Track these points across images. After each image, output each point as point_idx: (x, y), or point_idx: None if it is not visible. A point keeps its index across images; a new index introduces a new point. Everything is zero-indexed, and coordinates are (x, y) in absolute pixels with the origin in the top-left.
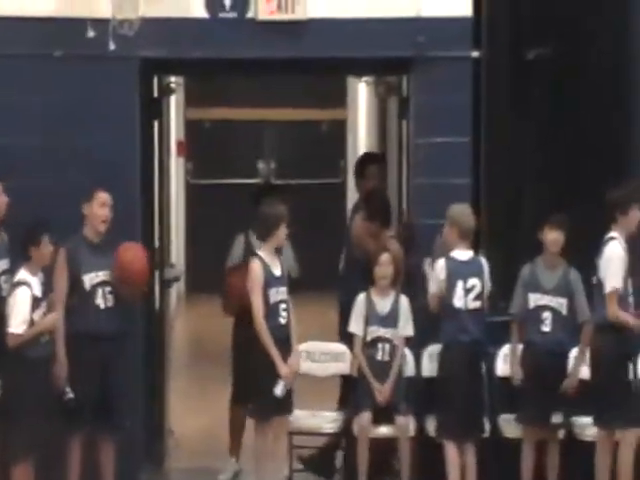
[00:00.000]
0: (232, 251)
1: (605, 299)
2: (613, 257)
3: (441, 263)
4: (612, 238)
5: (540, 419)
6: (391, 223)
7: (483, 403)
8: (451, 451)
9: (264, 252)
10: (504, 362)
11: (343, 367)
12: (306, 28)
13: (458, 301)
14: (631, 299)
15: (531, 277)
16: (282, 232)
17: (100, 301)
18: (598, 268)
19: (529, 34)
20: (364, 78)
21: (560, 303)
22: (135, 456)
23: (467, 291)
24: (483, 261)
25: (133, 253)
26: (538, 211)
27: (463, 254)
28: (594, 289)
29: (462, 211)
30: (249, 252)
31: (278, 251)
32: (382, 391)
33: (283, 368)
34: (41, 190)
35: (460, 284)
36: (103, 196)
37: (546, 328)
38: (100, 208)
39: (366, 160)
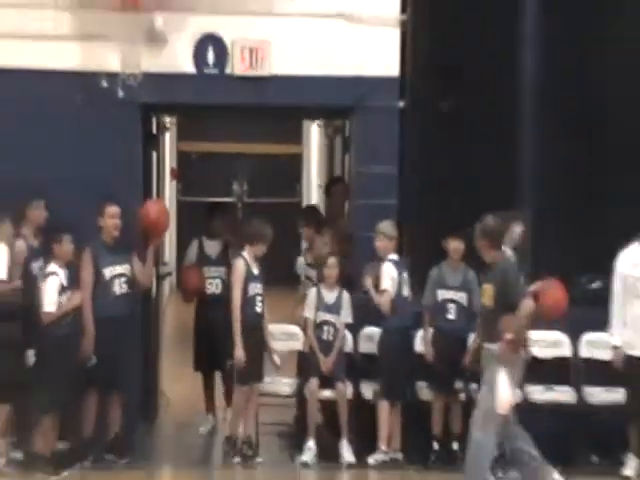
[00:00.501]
0: (187, 254)
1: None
2: None
3: (389, 265)
4: None
5: (446, 386)
6: (324, 230)
7: (409, 374)
8: (384, 410)
9: (247, 254)
10: (420, 342)
11: (297, 344)
12: (271, 82)
13: (405, 291)
14: None
15: (439, 276)
16: (260, 248)
17: (117, 288)
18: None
19: (442, 90)
20: (316, 121)
21: (462, 297)
22: (134, 412)
23: (405, 283)
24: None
25: (159, 206)
26: (446, 226)
27: (395, 256)
28: None
29: (390, 225)
30: (201, 255)
31: (258, 256)
32: (326, 362)
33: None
34: (65, 206)
35: (403, 278)
36: (112, 209)
37: (451, 316)
38: (111, 219)
39: (332, 182)
